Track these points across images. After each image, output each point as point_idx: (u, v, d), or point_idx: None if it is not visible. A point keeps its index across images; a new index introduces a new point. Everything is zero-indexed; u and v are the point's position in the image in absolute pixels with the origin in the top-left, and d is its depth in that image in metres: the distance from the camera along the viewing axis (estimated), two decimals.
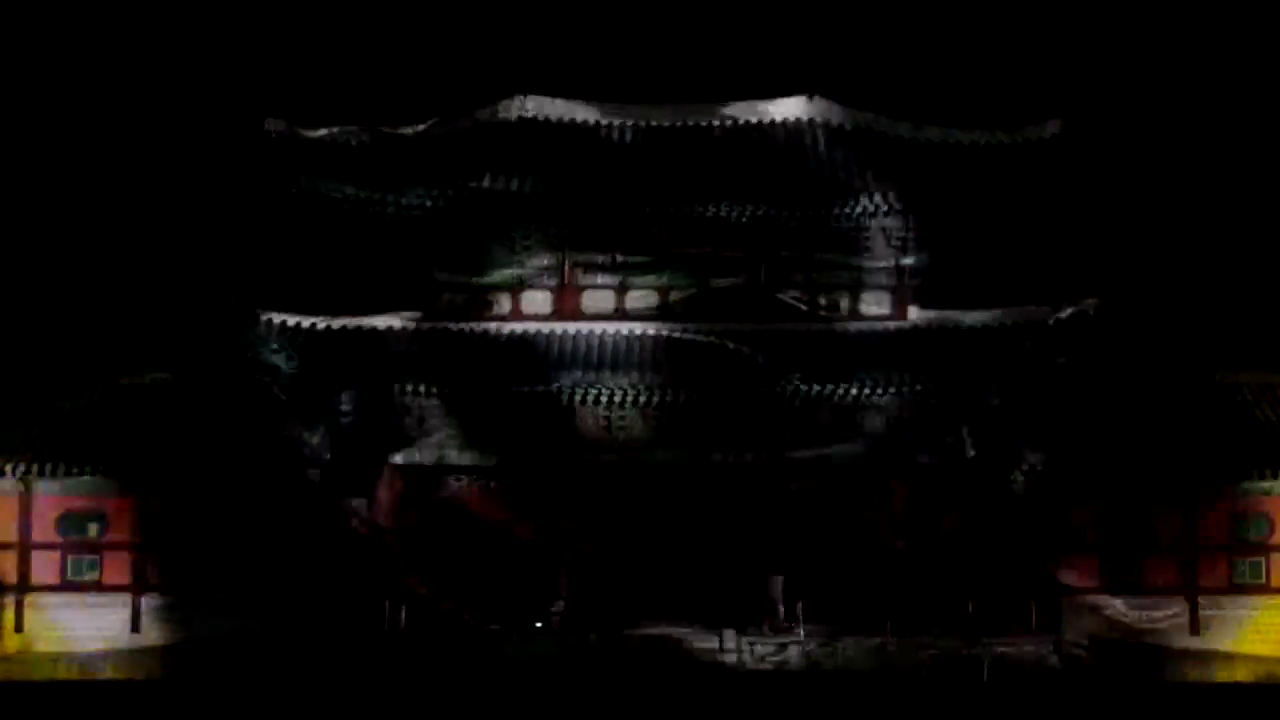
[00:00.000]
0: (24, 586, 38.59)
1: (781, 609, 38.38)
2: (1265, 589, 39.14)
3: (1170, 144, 49.75)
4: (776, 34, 52.47)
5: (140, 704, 31.41)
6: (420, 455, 39.64)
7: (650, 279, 40.43)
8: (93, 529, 38.89)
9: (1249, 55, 51.92)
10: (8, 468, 38.30)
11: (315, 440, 38.75)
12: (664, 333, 38.62)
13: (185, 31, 53.27)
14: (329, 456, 38.58)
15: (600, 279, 40.41)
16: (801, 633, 37.62)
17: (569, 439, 39.79)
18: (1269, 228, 49.21)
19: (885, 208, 38.61)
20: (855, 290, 40.48)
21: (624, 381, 38.12)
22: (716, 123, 38.48)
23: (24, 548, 38.86)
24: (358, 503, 39.41)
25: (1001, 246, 43.05)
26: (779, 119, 38.44)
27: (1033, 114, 38.72)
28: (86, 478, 38.49)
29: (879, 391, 38.18)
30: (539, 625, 37.81)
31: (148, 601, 38.74)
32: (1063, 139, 38.14)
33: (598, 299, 40.43)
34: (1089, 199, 46.60)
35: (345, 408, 38.52)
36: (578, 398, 38.47)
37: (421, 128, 39.26)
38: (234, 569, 38.67)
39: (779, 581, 38.88)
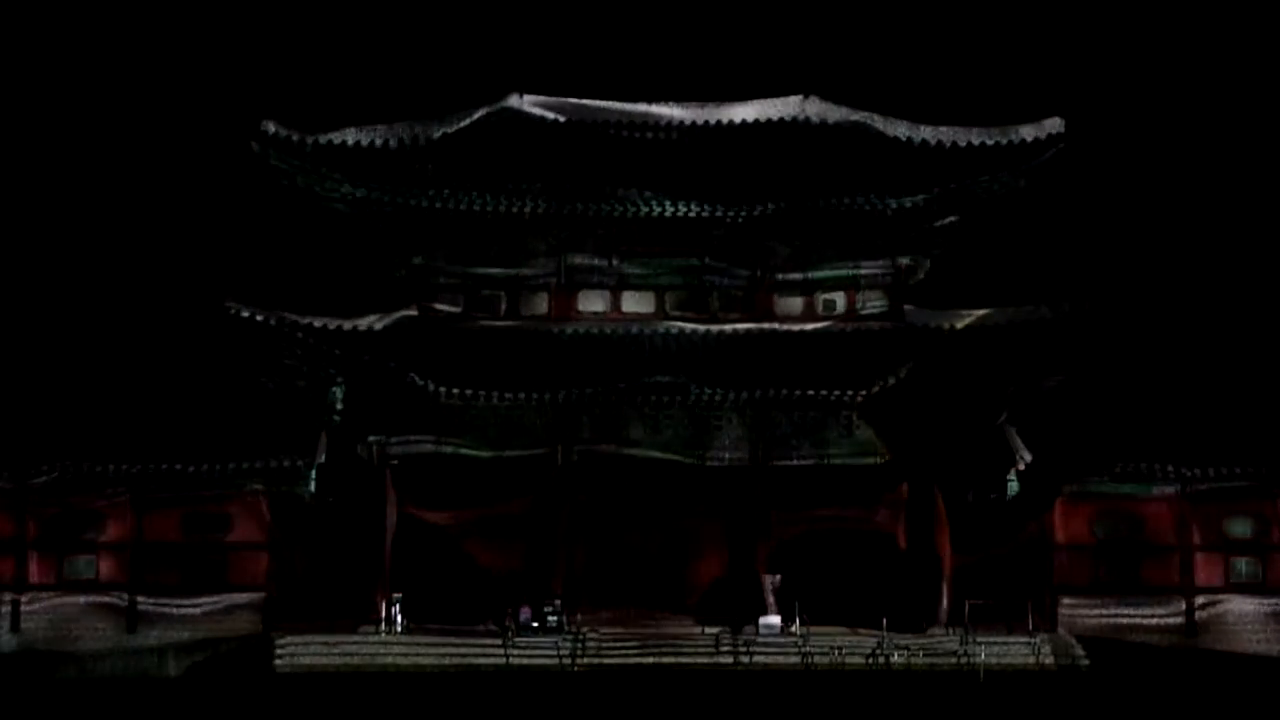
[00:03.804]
0: None
1: (779, 608, 38.38)
2: (1263, 588, 39.18)
3: (1168, 143, 49.67)
4: (772, 33, 52.44)
5: None
6: (415, 452, 39.83)
7: (647, 278, 40.47)
8: None
9: (1244, 57, 51.87)
10: None
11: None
12: (660, 332, 38.60)
13: (183, 33, 53.24)
14: (324, 454, 38.67)
15: (597, 278, 40.43)
16: (799, 632, 37.64)
17: (567, 437, 39.81)
18: (1267, 227, 49.12)
19: (880, 207, 38.64)
20: (852, 289, 40.50)
21: (620, 381, 38.13)
22: (712, 122, 38.40)
23: None
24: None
25: (998, 246, 43.07)
26: (775, 118, 38.39)
27: (1031, 113, 38.67)
28: None
29: (875, 391, 38.18)
30: (535, 625, 37.82)
31: None
32: (1062, 139, 38.09)
33: (594, 298, 40.45)
34: (1087, 198, 46.66)
35: (339, 405, 38.62)
36: (575, 397, 38.48)
37: (419, 128, 39.25)
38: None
39: (777, 581, 38.89)
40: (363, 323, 38.29)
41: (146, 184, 49.89)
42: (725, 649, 36.94)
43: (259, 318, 37.51)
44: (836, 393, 38.50)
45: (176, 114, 50.59)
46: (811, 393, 38.46)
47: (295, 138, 38.21)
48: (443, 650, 36.75)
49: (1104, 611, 38.95)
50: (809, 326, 39.37)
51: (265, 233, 44.55)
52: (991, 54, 51.00)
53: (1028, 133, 38.31)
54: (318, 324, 37.92)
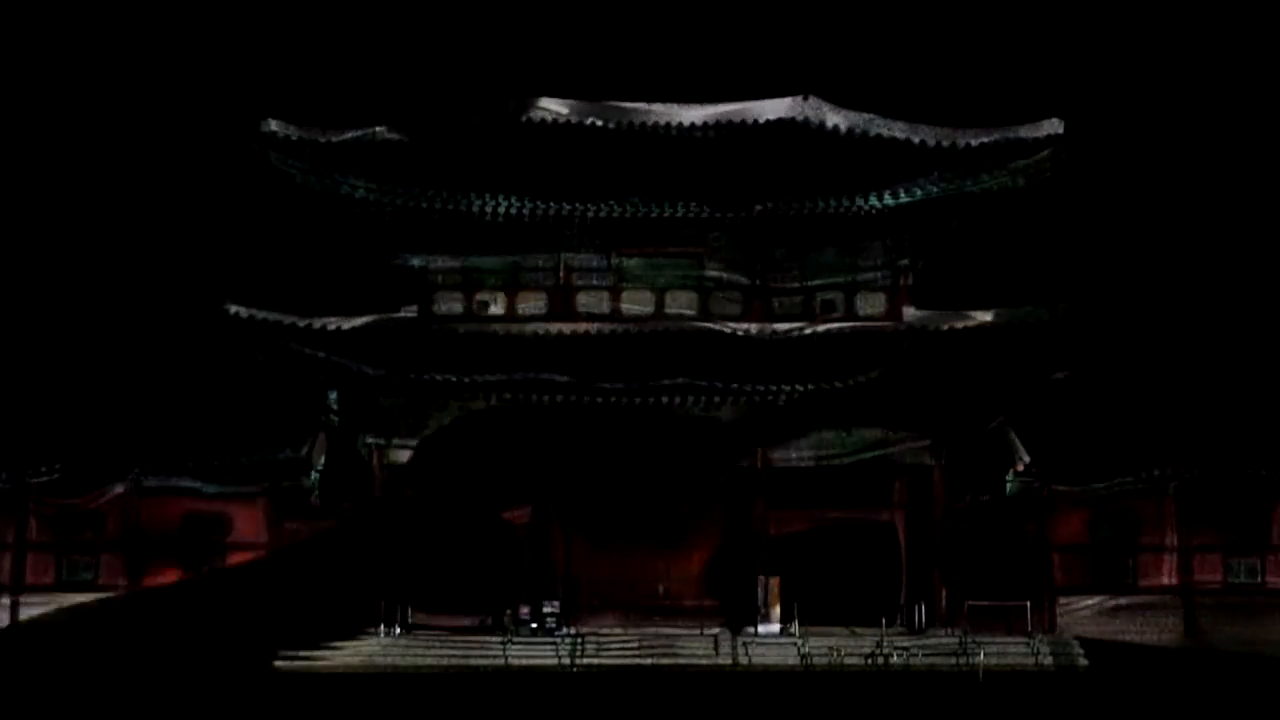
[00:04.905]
0: None
1: (778, 609, 38.40)
2: (1262, 588, 39.20)
3: (1166, 144, 49.71)
4: (771, 34, 52.41)
5: None
6: (415, 452, 39.85)
7: (646, 278, 40.49)
8: None
9: (1244, 57, 51.89)
10: None
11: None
12: (659, 332, 38.64)
13: (183, 32, 53.23)
14: (323, 454, 38.72)
15: (595, 279, 40.45)
16: (797, 632, 37.66)
17: (565, 439, 39.81)
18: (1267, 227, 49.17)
19: (880, 208, 38.62)
20: (850, 290, 40.53)
21: (619, 381, 38.16)
22: (711, 123, 38.44)
23: None
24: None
25: (997, 246, 43.10)
26: (773, 119, 38.41)
27: (1031, 114, 38.68)
28: None
29: (874, 392, 38.21)
30: (534, 625, 37.86)
31: None
32: (1061, 140, 38.10)
33: (593, 298, 40.46)
34: (1087, 199, 46.66)
35: (335, 407, 38.67)
36: (574, 397, 38.49)
37: (419, 128, 39.28)
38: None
39: (775, 581, 38.90)
40: (361, 323, 38.32)
41: (149, 183, 49.91)
42: (724, 650, 36.96)
43: (257, 318, 37.59)
44: (835, 393, 38.52)
45: (177, 113, 50.61)
46: (810, 393, 38.47)
47: (296, 137, 38.23)
48: (442, 651, 36.80)
49: (1103, 612, 38.99)
50: (808, 326, 39.36)
51: (267, 232, 44.57)
52: (992, 55, 51.01)
53: (1027, 134, 38.26)
54: (316, 324, 37.98)
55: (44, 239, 49.32)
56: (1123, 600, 39.17)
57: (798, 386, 38.32)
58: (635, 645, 37.15)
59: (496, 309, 40.29)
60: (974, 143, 38.13)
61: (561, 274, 40.35)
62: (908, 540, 40.93)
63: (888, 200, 38.59)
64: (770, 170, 38.87)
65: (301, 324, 37.56)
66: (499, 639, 36.98)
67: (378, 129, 38.90)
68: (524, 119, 38.72)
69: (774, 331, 38.95)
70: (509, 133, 38.53)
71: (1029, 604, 38.17)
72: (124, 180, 50.17)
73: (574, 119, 38.71)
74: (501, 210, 38.71)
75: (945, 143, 38.25)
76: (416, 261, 40.25)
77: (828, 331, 38.93)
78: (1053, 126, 38.17)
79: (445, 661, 36.36)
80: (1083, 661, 36.63)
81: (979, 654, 35.37)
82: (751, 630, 37.96)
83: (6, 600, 38.63)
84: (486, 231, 39.56)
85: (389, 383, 38.26)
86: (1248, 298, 46.85)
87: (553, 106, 39.01)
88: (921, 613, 38.69)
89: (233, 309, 37.54)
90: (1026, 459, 38.46)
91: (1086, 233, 47.59)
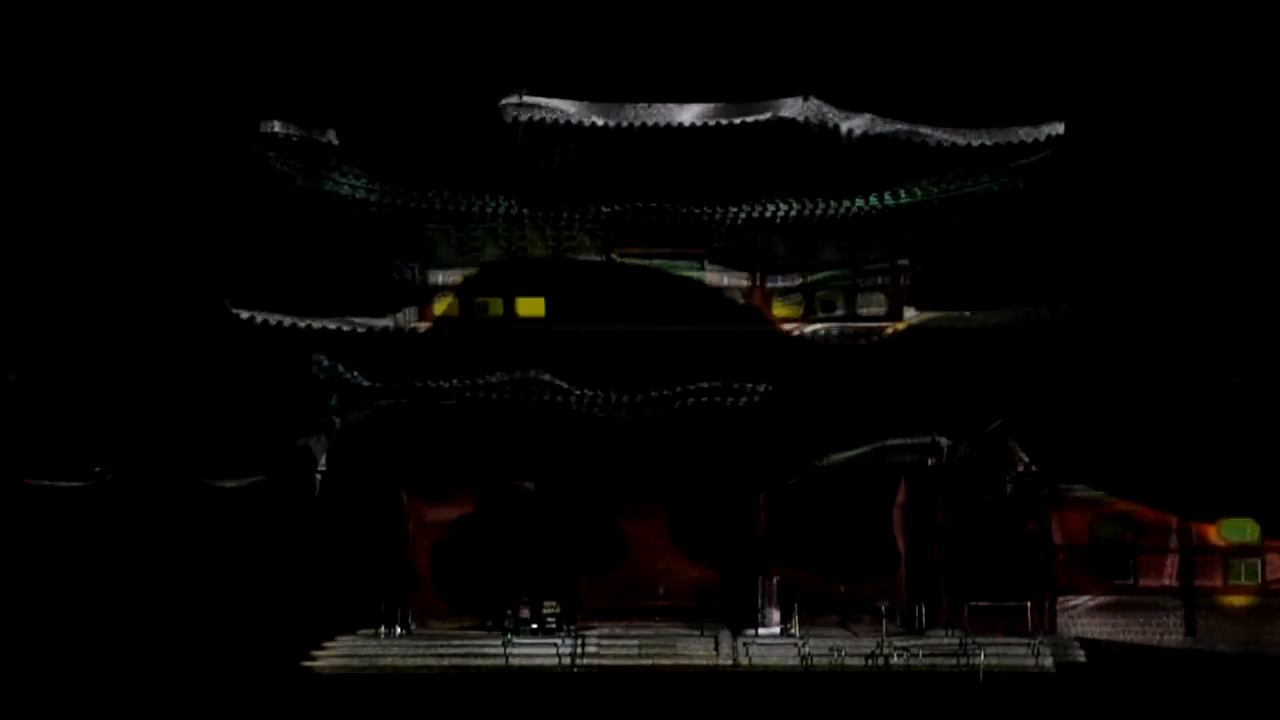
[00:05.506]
0: None
1: (778, 609, 38.43)
2: (1262, 589, 39.26)
3: (1167, 145, 49.68)
4: (772, 34, 52.46)
5: None
6: (415, 455, 39.86)
7: (645, 279, 40.50)
8: None
9: (1243, 59, 51.88)
10: None
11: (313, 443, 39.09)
12: (659, 333, 38.63)
13: (181, 32, 53.26)
14: (325, 459, 38.74)
15: (596, 279, 40.47)
16: (798, 632, 37.68)
17: (564, 440, 39.84)
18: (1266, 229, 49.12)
19: (879, 209, 38.66)
20: (850, 290, 40.57)
21: (619, 383, 38.18)
22: (711, 122, 38.49)
23: None
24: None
25: (998, 247, 43.13)
26: (773, 119, 38.47)
27: (1033, 116, 38.73)
28: None
29: (874, 393, 38.23)
30: (534, 626, 37.90)
31: None
32: (1062, 141, 38.14)
33: (594, 299, 40.48)
34: (1088, 199, 46.68)
35: (336, 409, 38.70)
36: (573, 399, 38.51)
37: (420, 128, 39.33)
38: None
39: (775, 582, 38.92)
40: (361, 325, 38.35)
41: (151, 184, 49.94)
42: (724, 650, 36.99)
43: (257, 320, 37.61)
44: (835, 393, 38.53)
45: (178, 114, 50.64)
46: (810, 392, 38.49)
47: (296, 138, 38.26)
48: (442, 651, 36.82)
49: (1103, 612, 39.04)
50: (808, 327, 39.41)
51: (267, 233, 44.60)
52: (994, 56, 51.04)
53: (1027, 135, 38.32)
54: (316, 326, 37.99)
55: (47, 240, 49.33)
56: (1123, 600, 39.20)
57: (797, 390, 38.35)
58: (635, 645, 37.19)
59: (496, 310, 40.32)
60: (974, 144, 38.18)
61: (562, 275, 40.36)
62: (908, 540, 40.96)
63: (888, 201, 38.62)
64: (770, 170, 38.92)
65: (302, 325, 37.58)
66: (499, 639, 37.02)
67: (378, 130, 38.92)
68: (525, 119, 38.74)
69: (774, 332, 38.97)
70: (510, 133, 38.57)
71: (1029, 604, 38.19)
72: (126, 181, 50.18)
73: (575, 118, 38.75)
74: (501, 210, 38.75)
75: (945, 144, 38.31)
76: (417, 262, 40.29)
77: (828, 331, 38.95)
78: (1053, 128, 38.20)
79: (445, 661, 36.39)
80: (1083, 662, 36.65)
81: (979, 654, 35.37)
82: (752, 630, 37.97)
83: None
84: (486, 232, 39.60)
85: (389, 385, 38.26)
86: (1248, 297, 46.83)
87: (554, 106, 39.05)
88: (922, 613, 38.70)
89: (233, 310, 37.56)
90: (1026, 459, 38.50)
91: (1088, 233, 47.59)
